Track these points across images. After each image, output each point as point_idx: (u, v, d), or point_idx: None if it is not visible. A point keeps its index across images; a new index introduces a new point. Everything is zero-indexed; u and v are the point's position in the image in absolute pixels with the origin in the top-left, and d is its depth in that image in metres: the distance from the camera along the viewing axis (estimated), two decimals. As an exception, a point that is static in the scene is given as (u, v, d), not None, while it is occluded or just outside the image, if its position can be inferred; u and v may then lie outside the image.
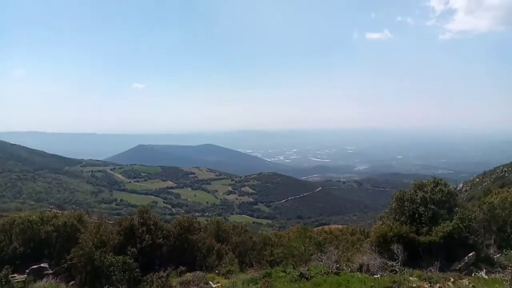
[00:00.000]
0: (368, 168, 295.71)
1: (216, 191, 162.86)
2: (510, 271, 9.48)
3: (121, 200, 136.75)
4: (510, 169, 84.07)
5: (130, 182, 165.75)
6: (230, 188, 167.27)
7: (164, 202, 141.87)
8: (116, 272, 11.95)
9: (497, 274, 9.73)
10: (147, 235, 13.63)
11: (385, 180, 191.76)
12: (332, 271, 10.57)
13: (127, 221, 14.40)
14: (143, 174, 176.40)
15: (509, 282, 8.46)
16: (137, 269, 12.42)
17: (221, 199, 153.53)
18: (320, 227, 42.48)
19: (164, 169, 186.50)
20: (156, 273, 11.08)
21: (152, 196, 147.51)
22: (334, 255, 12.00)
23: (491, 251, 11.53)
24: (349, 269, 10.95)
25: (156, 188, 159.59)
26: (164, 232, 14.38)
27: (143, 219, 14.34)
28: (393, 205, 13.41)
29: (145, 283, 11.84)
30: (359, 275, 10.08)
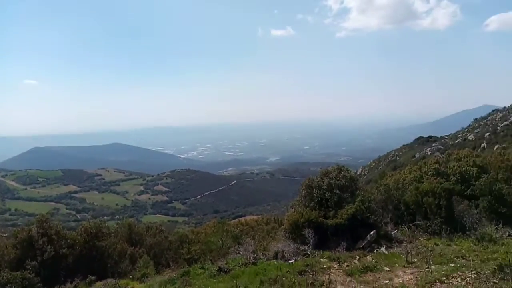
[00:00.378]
0: (279, 159, 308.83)
1: (127, 192, 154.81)
2: (405, 245, 10.70)
3: (15, 210, 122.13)
4: (400, 153, 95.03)
5: (26, 189, 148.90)
6: (141, 188, 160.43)
7: (67, 209, 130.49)
8: (15, 290, 10.66)
9: (395, 249, 10.90)
10: (49, 246, 12.39)
11: (294, 170, 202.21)
12: (249, 262, 10.77)
13: (24, 233, 12.91)
14: (41, 180, 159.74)
15: (405, 255, 9.54)
16: (39, 284, 11.22)
17: (132, 200, 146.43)
18: (236, 220, 43.15)
19: (64, 172, 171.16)
20: (62, 286, 10.15)
21: (53, 203, 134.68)
22: (251, 246, 12.26)
23: (389, 228, 12.83)
24: (266, 258, 11.26)
25: (56, 194, 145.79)
26: (68, 241, 13.24)
27: (43, 229, 13.00)
28: (303, 192, 14.14)
29: (49, 299, 10.78)
30: (275, 262, 10.45)
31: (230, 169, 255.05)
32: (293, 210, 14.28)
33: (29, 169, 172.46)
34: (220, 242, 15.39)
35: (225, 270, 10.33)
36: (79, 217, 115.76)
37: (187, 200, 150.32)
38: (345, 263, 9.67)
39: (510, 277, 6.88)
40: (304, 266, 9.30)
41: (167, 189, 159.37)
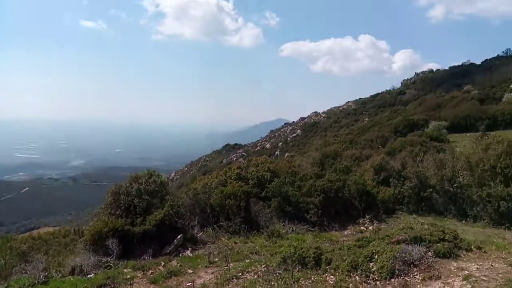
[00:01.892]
0: (85, 163, 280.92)
1: None
2: (209, 246, 11.35)
3: None
4: (210, 158, 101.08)
5: None
6: None
7: None
8: None
9: (200, 250, 11.42)
10: None
11: (102, 174, 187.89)
12: (38, 282, 9.37)
13: None
14: None
15: (207, 256, 10.10)
16: None
17: None
18: (27, 233, 36.80)
19: None
20: None
21: None
22: (41, 262, 10.68)
23: (195, 231, 13.37)
24: (60, 275, 10.02)
25: None
26: None
27: None
28: (109, 199, 13.29)
29: None
30: (71, 279, 9.42)
31: (21, 173, 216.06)
32: (96, 219, 13.24)
33: None
34: (2, 261, 12.85)
35: (4, 295, 8.67)
36: None
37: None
38: (150, 271, 9.54)
39: (291, 267, 8.19)
40: (104, 279, 8.70)
41: None
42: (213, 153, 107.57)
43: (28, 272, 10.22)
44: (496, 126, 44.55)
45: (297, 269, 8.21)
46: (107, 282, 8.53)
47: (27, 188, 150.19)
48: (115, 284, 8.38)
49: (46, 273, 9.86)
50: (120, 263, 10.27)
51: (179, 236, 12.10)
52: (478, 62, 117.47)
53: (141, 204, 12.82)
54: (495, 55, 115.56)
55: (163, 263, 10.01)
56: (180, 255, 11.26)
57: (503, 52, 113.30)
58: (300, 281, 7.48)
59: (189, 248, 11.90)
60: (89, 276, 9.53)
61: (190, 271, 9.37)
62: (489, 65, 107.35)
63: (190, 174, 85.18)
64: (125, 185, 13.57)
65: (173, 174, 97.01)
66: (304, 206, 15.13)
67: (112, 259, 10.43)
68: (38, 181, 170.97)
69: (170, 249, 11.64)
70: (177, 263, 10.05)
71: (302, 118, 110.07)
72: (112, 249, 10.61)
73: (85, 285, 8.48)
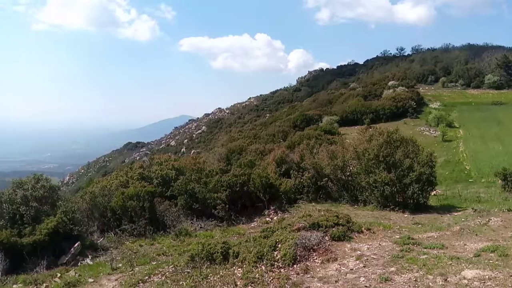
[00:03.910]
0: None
1: None
2: (111, 251, 10.69)
3: None
4: (110, 158, 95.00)
5: None
6: None
7: None
8: None
9: (101, 257, 10.69)
10: None
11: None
12: None
13: None
14: None
15: (109, 262, 9.51)
16: None
17: None
18: None
19: None
20: None
21: None
22: None
23: (95, 237, 12.52)
24: None
25: None
26: None
27: None
28: (-13, 210, 11.73)
29: None
30: None
31: None
32: (-26, 232, 11.54)
33: None
34: None
35: None
36: None
37: None
38: (44, 284, 8.66)
39: (199, 265, 8.18)
40: (-12, 300, 7.66)
41: None
42: (113, 153, 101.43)
43: None
44: (378, 119, 50.47)
45: (205, 265, 8.25)
46: (-9, 303, 7.53)
47: None
48: (1, 305, 7.43)
49: None
50: (8, 278, 9.15)
51: (76, 244, 11.22)
52: (361, 62, 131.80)
53: (28, 212, 11.60)
54: (375, 56, 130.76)
55: (59, 275, 9.16)
56: (79, 264, 10.46)
57: (381, 53, 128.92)
58: (209, 277, 7.54)
59: (89, 256, 11.12)
60: (-34, 299, 8.29)
61: (90, 280, 8.75)
62: (370, 64, 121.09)
63: (87, 176, 78.99)
64: (8, 192, 12.15)
65: (67, 178, 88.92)
66: (211, 202, 15.23)
67: (-3, 276, 9.22)
68: None
69: (67, 258, 10.73)
70: (76, 272, 9.30)
71: (207, 115, 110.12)
72: (-3, 265, 9.39)
73: (-39, 311, 7.36)
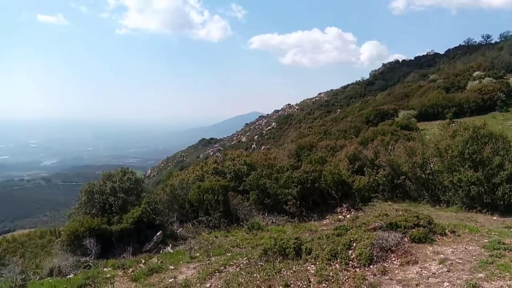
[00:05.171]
0: (57, 163, 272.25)
1: None
2: (189, 241, 11.33)
3: None
4: (187, 153, 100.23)
5: None
6: None
7: None
8: None
9: (180, 246, 11.37)
10: None
11: (76, 174, 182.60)
12: (16, 285, 9.13)
13: None
14: None
15: (188, 251, 10.09)
16: None
17: None
18: (1, 236, 35.53)
19: None
20: None
21: None
22: (18, 265, 10.41)
23: (175, 227, 13.32)
24: (38, 277, 9.81)
25: None
26: None
27: None
28: (83, 199, 13.08)
29: None
30: (50, 281, 9.21)
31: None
32: (72, 219, 12.98)
33: None
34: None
35: (-20, 301, 8.40)
36: None
37: None
38: (131, 269, 9.45)
39: (272, 259, 8.31)
40: (84, 279, 8.56)
41: None
42: (189, 148, 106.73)
43: (4, 275, 9.93)
44: (462, 113, 46.30)
45: (278, 260, 8.34)
46: (87, 282, 8.40)
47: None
48: (96, 284, 8.25)
49: (23, 276, 9.61)
50: (100, 262, 10.12)
51: (158, 233, 12.03)
52: (442, 52, 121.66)
53: (116, 202, 12.67)
54: (457, 45, 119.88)
55: (143, 261, 9.93)
56: (161, 251, 11.20)
57: (464, 41, 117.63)
58: (282, 271, 7.60)
59: (170, 245, 11.85)
60: (68, 276, 9.35)
61: (171, 267, 9.34)
62: (452, 54, 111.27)
63: (166, 170, 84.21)
64: (99, 183, 13.38)
65: (149, 171, 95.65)
66: (282, 197, 15.30)
67: (91, 258, 10.27)
68: (9, 183, 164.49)
69: (149, 246, 11.57)
70: (158, 260, 9.99)
71: (276, 111, 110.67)
72: (90, 249, 10.45)
73: (65, 286, 8.31)
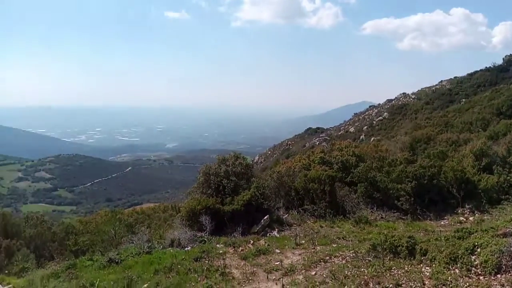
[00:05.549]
0: (178, 146, 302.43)
1: (2, 178, 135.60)
2: (295, 228, 11.54)
3: None
4: (293, 142, 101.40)
5: None
6: (20, 174, 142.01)
7: None
8: None
9: (286, 232, 11.68)
10: None
11: (194, 157, 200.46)
12: (144, 251, 10.46)
13: None
14: None
15: (294, 237, 10.29)
16: None
17: (8, 188, 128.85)
18: (131, 208, 41.20)
19: None
20: None
21: None
22: (145, 234, 11.91)
23: (281, 212, 13.69)
24: (161, 246, 11.07)
25: None
26: None
27: None
28: (201, 179, 14.19)
29: None
30: (171, 250, 10.33)
31: (124, 155, 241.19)
32: (190, 197, 14.25)
33: None
34: (113, 232, 14.60)
35: (116, 260, 9.87)
36: None
37: (74, 188, 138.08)
38: (240, 248, 10.04)
39: (381, 255, 7.95)
40: (200, 253, 9.39)
41: (50, 176, 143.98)
42: (295, 137, 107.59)
43: (134, 242, 11.49)
44: None
45: (388, 257, 7.94)
46: (203, 255, 9.20)
47: (130, 168, 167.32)
48: (210, 258, 9.00)
49: (150, 244, 10.96)
50: (213, 238, 10.98)
51: (266, 217, 12.49)
52: None
53: (229, 184, 13.48)
54: None
55: (252, 241, 10.45)
56: (268, 235, 11.63)
57: None
58: (392, 270, 7.23)
59: (276, 229, 12.23)
60: (186, 248, 10.37)
61: (277, 250, 9.64)
62: None
63: (273, 157, 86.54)
64: (214, 166, 14.36)
65: (257, 158, 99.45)
66: (394, 192, 14.44)
67: (205, 234, 11.21)
68: (138, 162, 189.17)
69: (257, 228, 12.09)
70: (265, 242, 10.40)
71: (389, 100, 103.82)
72: (205, 225, 11.39)
73: (183, 257, 9.24)
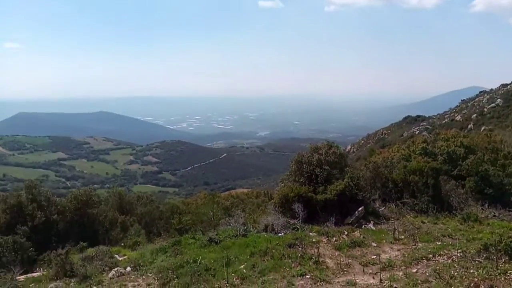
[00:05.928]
0: (269, 134, 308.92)
1: (116, 161, 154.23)
2: (392, 222, 10.96)
3: (4, 175, 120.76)
4: (389, 131, 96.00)
5: (13, 154, 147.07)
6: (131, 157, 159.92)
7: (56, 176, 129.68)
8: (6, 253, 10.76)
9: (382, 225, 11.17)
10: (39, 212, 12.38)
11: (284, 145, 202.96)
12: (240, 234, 10.95)
13: (13, 198, 12.85)
14: (28, 146, 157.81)
15: (392, 231, 9.79)
16: (31, 248, 11.31)
17: (122, 170, 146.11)
18: (227, 192, 43.51)
19: (53, 139, 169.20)
20: (54, 251, 10.21)
21: (42, 170, 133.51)
22: (241, 218, 12.44)
23: (377, 205, 13.11)
24: (256, 230, 11.47)
25: (45, 161, 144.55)
26: (58, 207, 13.23)
27: (32, 195, 12.94)
28: (293, 167, 14.25)
29: (42, 262, 10.88)
30: (265, 235, 10.65)
31: (219, 142, 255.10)
32: (283, 184, 14.45)
33: (15, 134, 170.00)
34: (211, 213, 15.58)
35: (216, 240, 10.51)
36: (68, 184, 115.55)
37: (177, 172, 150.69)
38: (334, 238, 9.90)
39: (495, 257, 7.14)
40: (293, 239, 9.51)
41: (157, 160, 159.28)
42: (391, 126, 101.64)
43: (231, 224, 12.12)
44: None
45: (503, 260, 7.10)
46: (296, 242, 9.31)
47: (225, 154, 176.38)
48: (303, 245, 9.07)
49: (245, 227, 11.45)
50: (305, 226, 11.02)
51: (360, 208, 12.09)
52: None
53: (322, 173, 13.30)
54: None
55: (346, 232, 10.24)
56: (362, 227, 11.27)
57: None
58: (508, 274, 6.45)
59: (371, 222, 11.79)
60: (279, 234, 10.61)
61: (374, 244, 9.30)
62: None
63: (366, 147, 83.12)
64: (307, 155, 14.29)
65: (349, 147, 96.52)
66: (510, 188, 12.81)
67: (298, 222, 11.30)
68: (232, 149, 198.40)
69: (351, 220, 11.78)
70: (360, 234, 10.10)
71: (504, 85, 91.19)
72: (298, 213, 11.47)
73: (277, 242, 9.47)
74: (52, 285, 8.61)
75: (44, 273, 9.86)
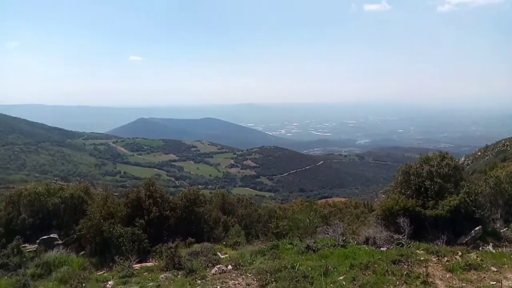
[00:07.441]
0: (369, 142, 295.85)
1: (219, 164, 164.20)
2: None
3: (124, 173, 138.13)
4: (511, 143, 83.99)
5: (133, 155, 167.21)
6: (232, 161, 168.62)
7: (167, 175, 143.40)
8: (126, 243, 12.15)
9: (504, 248, 9.80)
10: (154, 207, 13.73)
11: (386, 154, 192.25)
12: (338, 244, 10.65)
13: (134, 193, 14.48)
14: (145, 147, 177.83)
15: (516, 255, 8.54)
16: (146, 240, 12.61)
17: (223, 172, 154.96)
18: (323, 200, 42.89)
19: (166, 142, 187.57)
20: (165, 244, 11.24)
21: (155, 169, 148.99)
22: (340, 228, 12.06)
23: (498, 225, 11.59)
24: (355, 242, 11.02)
25: (158, 161, 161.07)
26: (170, 204, 14.49)
27: (150, 192, 14.42)
28: (399, 178, 13.38)
29: (154, 253, 12.06)
30: (366, 248, 10.17)
31: (317, 149, 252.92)
32: (386, 196, 13.68)
33: (135, 137, 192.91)
34: (308, 220, 15.46)
35: (313, 248, 10.38)
36: (177, 184, 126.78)
37: (274, 177, 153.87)
38: (445, 258, 8.99)
39: None
40: (398, 256, 8.89)
41: (255, 165, 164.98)
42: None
43: (329, 234, 11.84)
44: None
45: None
46: (401, 259, 8.68)
47: (322, 162, 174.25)
48: (409, 263, 8.42)
49: (344, 238, 11.09)
50: (412, 243, 10.22)
51: (477, 228, 10.81)
52: None
53: (432, 186, 12.23)
54: None
55: (460, 253, 9.21)
56: (480, 248, 10.04)
57: None
58: None
59: (490, 243, 10.46)
60: (382, 249, 10.01)
61: (493, 268, 8.19)
62: None
63: (484, 159, 74.02)
64: (415, 165, 13.28)
65: (463, 159, 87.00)
66: None
67: (403, 237, 10.55)
68: (330, 156, 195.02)
69: (466, 239, 10.60)
70: (477, 256, 8.99)
71: None
72: (404, 228, 10.71)
73: (379, 257, 8.95)
74: (162, 275, 9.44)
75: (156, 263, 10.87)
